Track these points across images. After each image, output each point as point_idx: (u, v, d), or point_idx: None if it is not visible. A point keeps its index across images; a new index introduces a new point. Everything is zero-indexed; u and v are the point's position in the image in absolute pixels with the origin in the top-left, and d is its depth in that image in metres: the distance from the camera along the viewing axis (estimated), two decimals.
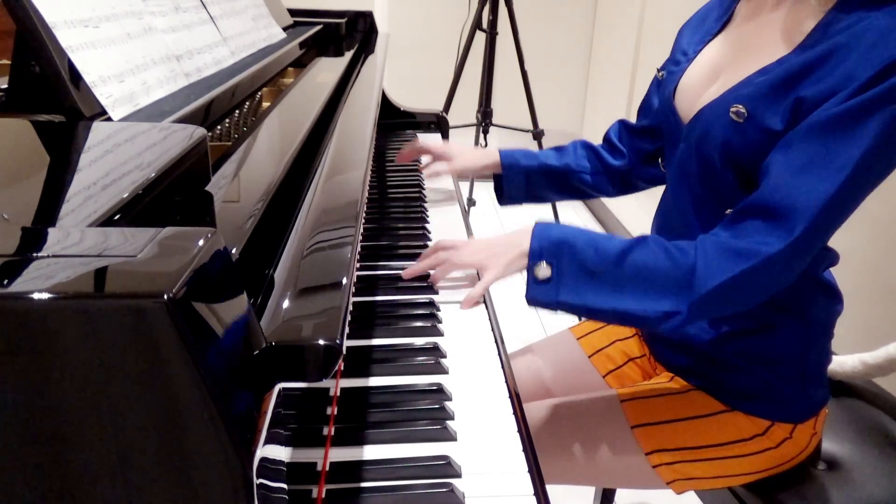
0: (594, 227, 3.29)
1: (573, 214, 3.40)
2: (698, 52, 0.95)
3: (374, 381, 0.78)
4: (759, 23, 0.87)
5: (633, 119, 1.18)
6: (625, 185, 1.19)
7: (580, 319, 1.17)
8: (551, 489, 0.69)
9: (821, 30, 0.78)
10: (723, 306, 0.79)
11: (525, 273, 0.86)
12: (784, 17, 0.84)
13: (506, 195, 1.21)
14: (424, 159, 1.33)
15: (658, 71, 1.03)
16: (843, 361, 1.05)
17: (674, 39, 1.04)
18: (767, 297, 0.80)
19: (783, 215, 0.74)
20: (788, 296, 0.86)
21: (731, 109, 0.81)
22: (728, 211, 0.84)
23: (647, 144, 1.15)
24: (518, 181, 1.19)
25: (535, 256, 0.83)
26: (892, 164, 0.77)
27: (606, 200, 3.25)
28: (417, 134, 1.71)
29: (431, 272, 0.97)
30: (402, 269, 0.98)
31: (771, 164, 0.77)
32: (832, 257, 0.91)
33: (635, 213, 2.89)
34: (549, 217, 2.85)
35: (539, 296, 0.83)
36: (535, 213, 3.28)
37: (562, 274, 0.82)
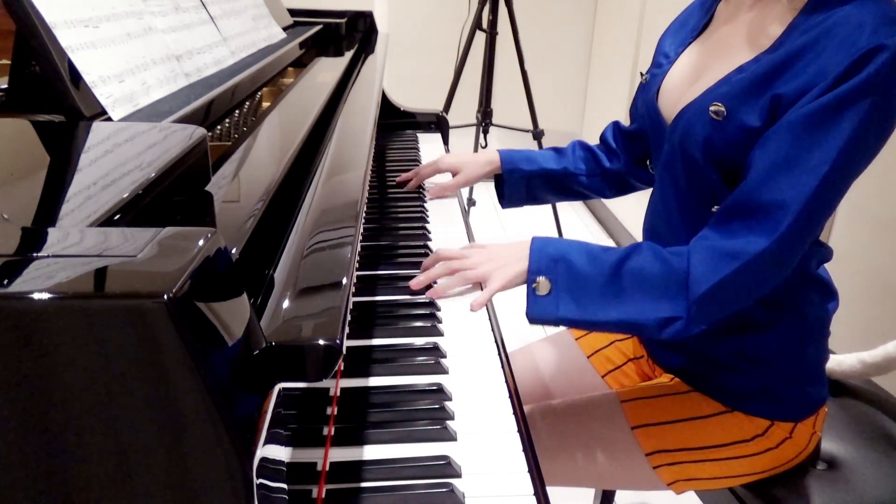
0: (594, 227, 3.29)
1: (573, 215, 3.40)
2: (679, 53, 0.95)
3: (374, 381, 0.78)
4: (736, 23, 0.88)
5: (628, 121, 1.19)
6: (621, 186, 1.20)
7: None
8: (551, 490, 0.69)
9: (794, 27, 0.79)
10: (721, 307, 0.79)
11: (525, 288, 0.86)
12: (760, 17, 0.84)
13: (506, 199, 1.23)
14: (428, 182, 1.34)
15: (641, 74, 1.04)
16: (842, 360, 1.05)
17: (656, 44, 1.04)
18: (765, 294, 0.80)
19: (768, 212, 0.75)
20: (782, 294, 0.86)
21: (711, 108, 0.82)
22: (716, 208, 0.84)
23: (640, 147, 1.15)
24: (518, 186, 1.20)
25: (533, 273, 0.84)
26: (871, 154, 0.77)
27: (606, 200, 3.25)
28: (417, 134, 1.71)
29: (437, 284, 0.95)
30: (403, 268, 0.98)
31: (753, 161, 0.77)
32: (825, 253, 0.91)
33: (636, 212, 2.89)
34: (549, 217, 2.85)
35: (539, 312, 0.84)
36: (535, 214, 3.29)
37: (560, 289, 0.83)
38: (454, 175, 1.27)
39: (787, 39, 0.79)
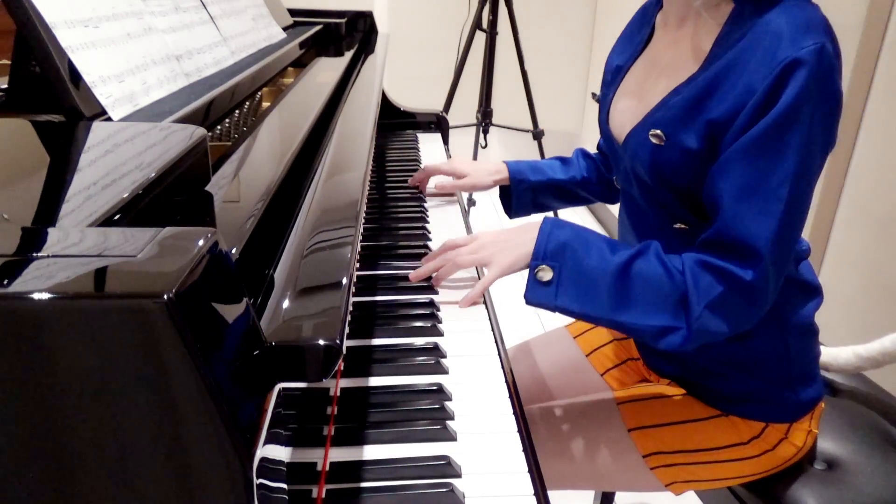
0: (591, 222, 3.29)
1: (573, 214, 3.40)
2: (626, 70, 0.95)
3: (374, 381, 0.78)
4: (671, 41, 0.88)
5: None
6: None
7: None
8: (551, 491, 0.69)
9: (720, 43, 0.79)
10: (720, 324, 0.78)
11: (526, 272, 0.85)
12: (688, 35, 0.84)
13: (514, 209, 1.22)
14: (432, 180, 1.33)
15: (593, 95, 1.04)
16: (837, 354, 1.05)
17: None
18: (763, 313, 0.80)
19: (746, 248, 0.75)
20: None
21: (651, 134, 0.82)
22: (677, 225, 0.85)
23: None
24: (526, 196, 1.20)
25: (538, 258, 0.83)
26: (826, 153, 0.78)
27: None
28: (417, 134, 1.71)
29: (435, 274, 0.96)
30: (403, 268, 0.98)
31: (716, 196, 0.77)
32: (802, 252, 0.91)
33: None
34: (549, 215, 2.85)
35: (538, 298, 0.83)
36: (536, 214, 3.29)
37: (562, 279, 0.82)
38: (460, 178, 1.26)
39: (714, 56, 0.79)
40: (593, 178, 1.19)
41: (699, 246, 0.80)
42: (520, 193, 1.20)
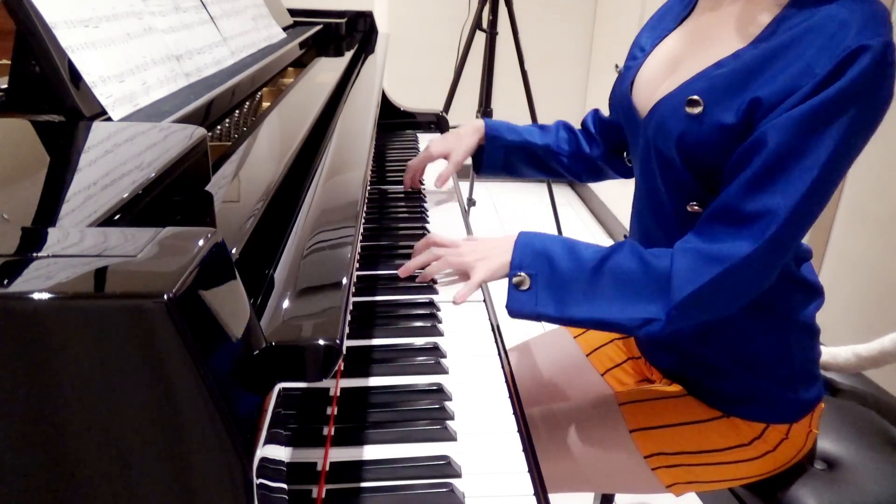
0: (591, 222, 3.29)
1: (570, 212, 3.40)
2: (655, 46, 0.94)
3: (374, 381, 0.78)
4: (717, 15, 0.87)
5: None
6: (596, 172, 1.20)
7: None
8: (551, 494, 0.69)
9: (777, 23, 0.78)
10: (702, 311, 0.78)
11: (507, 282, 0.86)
12: (741, 10, 0.83)
13: (483, 165, 1.23)
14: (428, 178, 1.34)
15: (616, 67, 1.03)
16: (837, 353, 1.05)
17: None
18: (749, 300, 0.79)
19: (755, 219, 0.74)
20: (764, 297, 0.86)
21: (687, 102, 0.80)
22: (691, 206, 0.84)
23: (615, 137, 1.16)
24: (497, 154, 1.21)
25: (515, 268, 0.84)
26: (856, 155, 0.77)
27: (603, 197, 3.25)
28: (417, 134, 1.71)
29: (422, 272, 0.97)
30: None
31: (739, 166, 0.76)
32: (804, 252, 0.90)
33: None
34: (549, 218, 2.85)
35: (519, 306, 0.83)
36: (535, 214, 3.29)
37: (540, 285, 0.83)
38: (446, 159, 1.25)
39: (769, 36, 0.78)
40: (569, 151, 1.19)
41: (700, 222, 0.79)
42: (492, 151, 1.21)
